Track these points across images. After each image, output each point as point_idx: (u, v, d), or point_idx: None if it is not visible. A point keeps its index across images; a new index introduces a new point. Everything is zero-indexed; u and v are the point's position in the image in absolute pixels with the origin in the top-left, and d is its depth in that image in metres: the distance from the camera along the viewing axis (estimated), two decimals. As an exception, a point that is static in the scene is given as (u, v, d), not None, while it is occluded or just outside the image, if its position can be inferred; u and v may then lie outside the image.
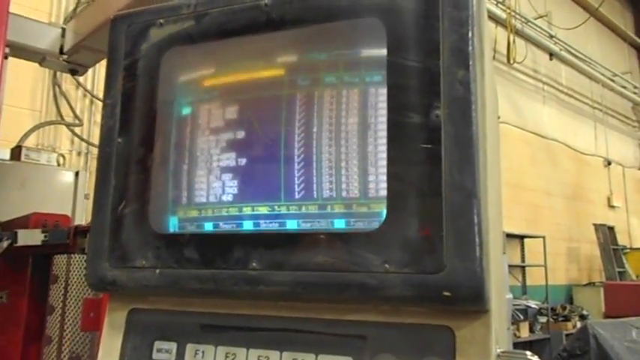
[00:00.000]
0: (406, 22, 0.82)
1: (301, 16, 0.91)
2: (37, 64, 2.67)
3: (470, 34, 0.79)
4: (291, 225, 0.89)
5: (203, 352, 0.92)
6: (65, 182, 3.03)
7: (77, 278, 2.14)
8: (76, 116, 4.80)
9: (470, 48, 0.79)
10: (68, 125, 4.73)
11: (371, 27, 0.85)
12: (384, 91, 0.84)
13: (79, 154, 4.85)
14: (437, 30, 0.80)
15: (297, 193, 0.88)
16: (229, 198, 0.94)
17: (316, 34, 0.91)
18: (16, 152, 3.02)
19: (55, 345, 2.16)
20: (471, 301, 0.76)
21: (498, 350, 0.81)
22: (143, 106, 1.00)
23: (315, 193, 0.88)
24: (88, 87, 4.93)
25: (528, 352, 0.85)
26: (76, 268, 2.14)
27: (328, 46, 0.92)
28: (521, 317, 8.31)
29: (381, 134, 0.84)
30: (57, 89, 4.74)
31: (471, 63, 0.79)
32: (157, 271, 0.93)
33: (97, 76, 4.88)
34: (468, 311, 0.79)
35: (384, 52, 0.84)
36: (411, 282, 0.77)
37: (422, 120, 0.80)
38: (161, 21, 1.01)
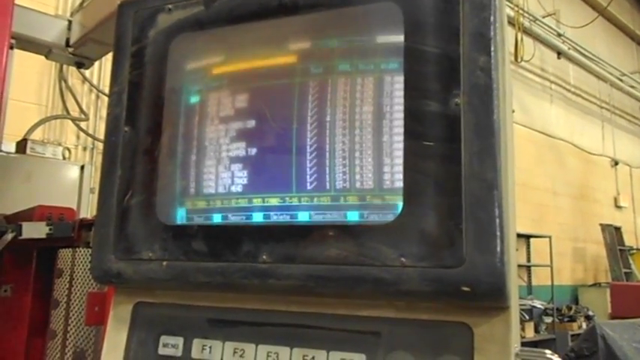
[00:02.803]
0: (425, 5, 0.79)
1: (315, 1, 0.88)
2: (43, 59, 2.66)
3: (492, 19, 0.76)
4: (303, 217, 0.86)
5: (210, 347, 0.89)
6: (71, 176, 3.01)
7: (82, 272, 2.12)
8: (82, 111, 4.78)
9: (492, 33, 0.76)
10: (74, 120, 4.72)
11: (387, 11, 0.82)
12: (400, 79, 0.81)
13: (84, 148, 4.84)
14: (457, 14, 0.77)
15: (309, 184, 0.85)
16: (239, 189, 0.91)
17: (330, 20, 0.88)
18: (21, 145, 3.01)
19: (59, 339, 2.14)
20: (491, 297, 0.73)
21: (517, 348, 0.78)
22: (151, 94, 0.97)
23: (327, 184, 0.85)
24: (94, 82, 4.91)
25: (548, 351, 0.82)
26: (81, 262, 2.12)
27: (342, 32, 0.88)
28: (527, 317, 8.26)
29: (397, 123, 0.81)
30: (63, 84, 4.73)
31: (492, 49, 0.76)
32: (164, 263, 0.90)
33: (103, 70, 4.86)
34: (488, 308, 0.75)
35: (401, 37, 0.81)
36: (428, 276, 0.74)
37: (441, 108, 0.77)
38: (169, 6, 0.98)
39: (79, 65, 2.69)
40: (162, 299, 0.95)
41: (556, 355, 0.81)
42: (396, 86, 0.82)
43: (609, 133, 12.15)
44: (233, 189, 0.91)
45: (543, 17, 9.95)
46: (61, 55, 2.59)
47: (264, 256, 0.83)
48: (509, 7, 8.85)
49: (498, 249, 0.72)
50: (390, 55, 0.84)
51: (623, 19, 12.96)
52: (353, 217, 0.83)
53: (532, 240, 9.14)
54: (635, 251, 11.19)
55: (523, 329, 7.96)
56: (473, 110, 0.75)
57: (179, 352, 0.91)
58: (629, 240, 11.17)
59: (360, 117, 0.84)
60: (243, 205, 0.90)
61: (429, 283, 0.74)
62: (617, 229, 10.65)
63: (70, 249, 2.12)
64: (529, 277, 9.22)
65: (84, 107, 4.82)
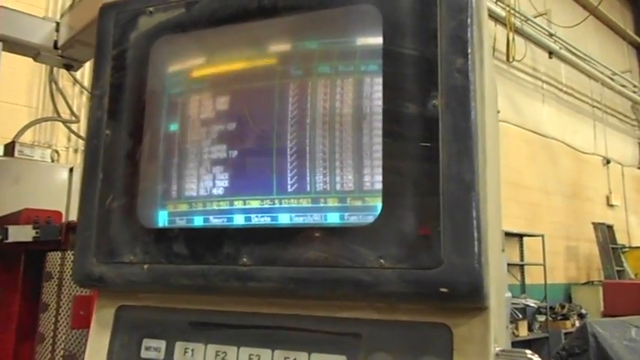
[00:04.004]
0: (402, 8, 0.80)
1: (294, 3, 0.88)
2: (32, 61, 2.64)
3: (469, 21, 0.76)
4: (284, 219, 0.86)
5: (192, 350, 0.89)
6: (59, 178, 3.00)
7: (71, 276, 2.10)
8: (72, 113, 4.76)
9: (468, 35, 0.76)
10: (64, 122, 4.69)
11: (366, 14, 0.82)
12: (379, 81, 0.82)
13: (75, 151, 4.82)
14: (434, 16, 0.78)
15: (289, 186, 0.86)
16: (220, 191, 0.91)
17: (310, 22, 0.89)
18: (9, 148, 2.99)
19: (48, 343, 2.13)
20: (469, 297, 0.73)
21: (497, 349, 0.78)
22: (132, 97, 0.97)
23: (308, 186, 0.85)
24: (85, 84, 4.89)
25: (528, 351, 0.82)
26: (70, 265, 2.11)
27: (322, 34, 0.89)
28: (520, 316, 8.29)
29: (377, 125, 0.81)
30: (53, 86, 4.70)
31: (469, 51, 0.76)
32: (146, 266, 0.90)
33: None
34: (466, 308, 0.76)
35: (379, 39, 0.81)
36: (407, 278, 0.74)
37: (419, 110, 0.77)
38: (151, 9, 0.98)
39: (68, 67, 2.68)
40: (144, 302, 0.95)
41: (536, 355, 0.81)
42: (376, 88, 0.83)
43: (601, 132, 12.21)
44: (214, 191, 0.91)
45: (535, 17, 9.99)
46: (49, 57, 2.58)
47: (245, 259, 0.83)
48: (501, 7, 8.90)
49: (476, 250, 0.72)
50: (369, 57, 0.84)
51: (614, 19, 13.04)
52: (333, 219, 0.83)
53: (525, 239, 9.18)
54: (627, 249, 11.25)
55: (517, 328, 7.99)
56: (450, 112, 0.75)
57: (161, 356, 0.91)
58: (621, 238, 11.23)
59: (340, 119, 0.85)
60: (225, 208, 0.90)
61: (408, 285, 0.74)
62: (610, 227, 10.71)
63: (59, 252, 2.11)
64: (522, 275, 9.25)
65: (74, 109, 4.80)
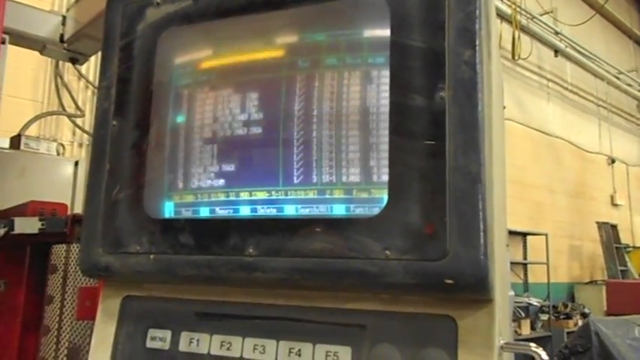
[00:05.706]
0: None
1: (302, -5, 0.88)
2: (38, 55, 2.65)
3: (477, 13, 0.76)
4: (290, 210, 0.86)
5: (198, 340, 0.90)
6: (65, 172, 3.01)
7: (76, 268, 2.11)
8: (77, 107, 4.78)
9: (477, 27, 0.76)
10: (69, 116, 4.71)
11: (374, 5, 0.82)
12: (386, 73, 0.81)
13: (80, 145, 4.83)
14: (443, 8, 0.77)
15: (295, 178, 0.86)
16: (226, 182, 0.91)
17: (317, 14, 0.89)
18: (15, 141, 3.00)
19: (53, 335, 2.14)
20: (474, 289, 0.73)
21: (502, 341, 0.78)
22: (139, 88, 0.97)
23: (314, 177, 0.85)
24: (90, 78, 4.90)
25: (533, 344, 0.82)
26: (75, 258, 2.12)
27: (330, 26, 0.89)
28: (523, 315, 8.27)
29: (384, 117, 0.81)
30: (59, 80, 4.71)
31: (477, 43, 0.76)
32: (152, 257, 0.90)
33: (99, 66, 4.84)
34: (471, 300, 0.76)
35: (387, 32, 0.81)
36: (413, 269, 0.74)
37: (426, 102, 0.77)
38: (158, 1, 0.98)
39: (74, 61, 2.69)
40: (150, 293, 0.95)
41: (540, 349, 0.81)
42: (383, 80, 0.83)
43: (606, 131, 12.16)
44: (220, 182, 0.92)
45: (541, 15, 9.94)
46: (55, 50, 2.58)
47: (251, 250, 0.84)
48: (507, 4, 8.86)
49: (482, 242, 0.72)
50: (376, 49, 0.84)
51: (620, 17, 12.96)
52: (339, 210, 0.84)
53: (529, 237, 9.16)
54: (631, 249, 11.21)
55: (519, 326, 7.98)
56: (457, 104, 0.75)
57: (167, 346, 0.92)
58: (625, 238, 11.19)
59: (347, 111, 0.85)
60: (231, 199, 0.90)
61: (413, 276, 0.74)
62: (614, 227, 10.67)
63: (64, 245, 2.12)
64: (525, 274, 9.23)
65: (80, 103, 4.81)
